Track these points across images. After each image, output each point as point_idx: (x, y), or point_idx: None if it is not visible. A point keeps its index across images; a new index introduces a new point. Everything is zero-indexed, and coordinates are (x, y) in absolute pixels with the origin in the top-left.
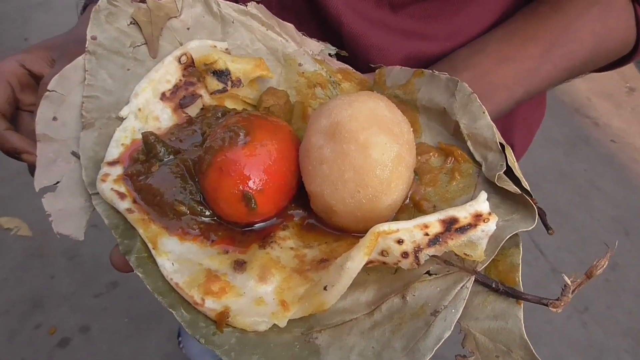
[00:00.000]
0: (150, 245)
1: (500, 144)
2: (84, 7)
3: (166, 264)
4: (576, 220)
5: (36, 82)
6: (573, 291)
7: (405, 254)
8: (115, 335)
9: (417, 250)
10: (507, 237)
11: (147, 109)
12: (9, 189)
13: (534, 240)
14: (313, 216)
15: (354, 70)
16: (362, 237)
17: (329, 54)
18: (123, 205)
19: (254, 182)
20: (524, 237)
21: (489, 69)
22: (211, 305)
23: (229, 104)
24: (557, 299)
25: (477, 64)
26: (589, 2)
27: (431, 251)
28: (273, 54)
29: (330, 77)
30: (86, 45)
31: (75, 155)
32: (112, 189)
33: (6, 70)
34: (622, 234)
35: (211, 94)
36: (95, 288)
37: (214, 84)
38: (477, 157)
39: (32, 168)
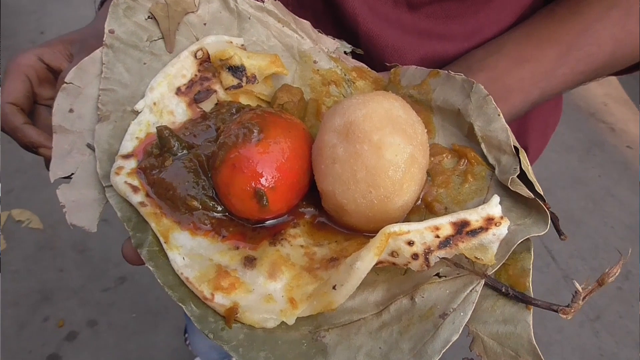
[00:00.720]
0: (161, 239)
1: (515, 147)
2: (102, 3)
3: (177, 258)
4: (589, 227)
5: (54, 77)
6: (584, 298)
7: (415, 256)
8: (122, 330)
9: (428, 252)
10: (519, 241)
11: (162, 103)
12: (22, 181)
13: (546, 247)
14: (324, 215)
15: (369, 69)
16: (372, 237)
17: (345, 52)
18: (136, 198)
19: (266, 179)
20: (535, 243)
21: (505, 71)
22: (220, 300)
23: (244, 100)
24: (567, 306)
25: (493, 65)
26: (608, 5)
27: (441, 253)
28: (288, 50)
29: (345, 75)
30: (104, 39)
31: (90, 147)
32: (125, 182)
33: (24, 63)
34: (637, 241)
35: (226, 89)
36: (103, 282)
37: (229, 79)
38: (491, 160)
39: (48, 162)
